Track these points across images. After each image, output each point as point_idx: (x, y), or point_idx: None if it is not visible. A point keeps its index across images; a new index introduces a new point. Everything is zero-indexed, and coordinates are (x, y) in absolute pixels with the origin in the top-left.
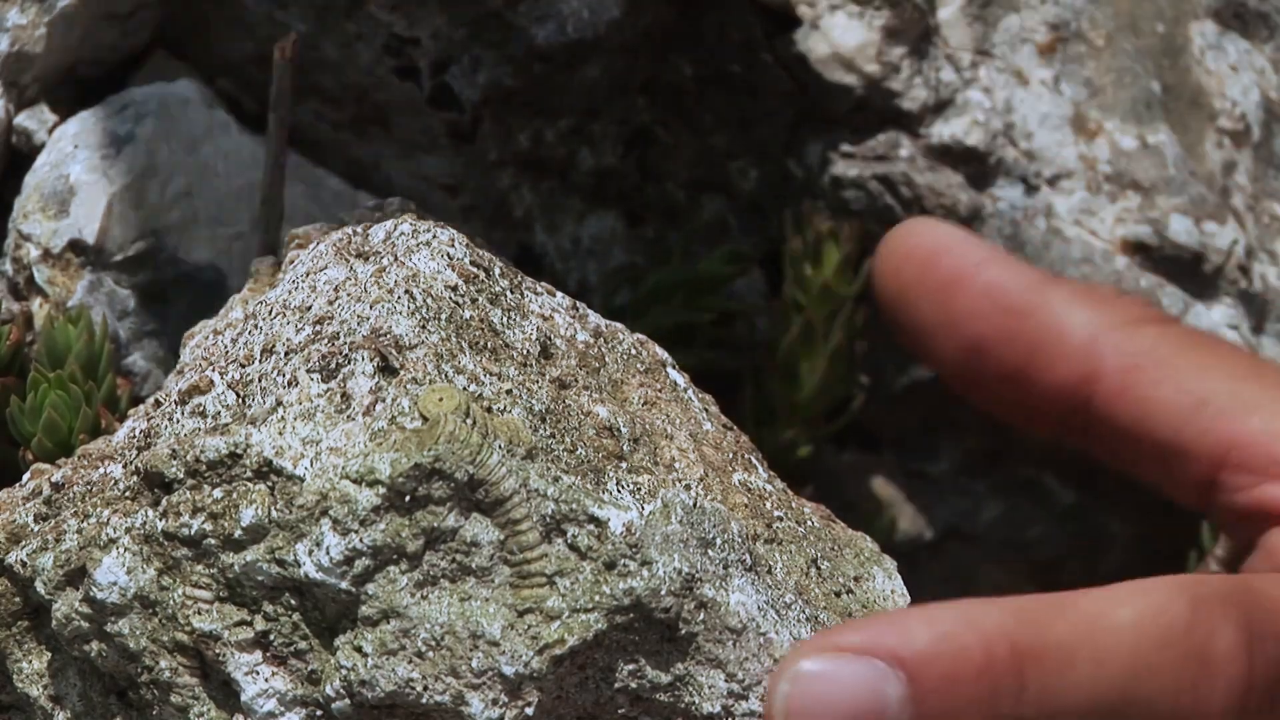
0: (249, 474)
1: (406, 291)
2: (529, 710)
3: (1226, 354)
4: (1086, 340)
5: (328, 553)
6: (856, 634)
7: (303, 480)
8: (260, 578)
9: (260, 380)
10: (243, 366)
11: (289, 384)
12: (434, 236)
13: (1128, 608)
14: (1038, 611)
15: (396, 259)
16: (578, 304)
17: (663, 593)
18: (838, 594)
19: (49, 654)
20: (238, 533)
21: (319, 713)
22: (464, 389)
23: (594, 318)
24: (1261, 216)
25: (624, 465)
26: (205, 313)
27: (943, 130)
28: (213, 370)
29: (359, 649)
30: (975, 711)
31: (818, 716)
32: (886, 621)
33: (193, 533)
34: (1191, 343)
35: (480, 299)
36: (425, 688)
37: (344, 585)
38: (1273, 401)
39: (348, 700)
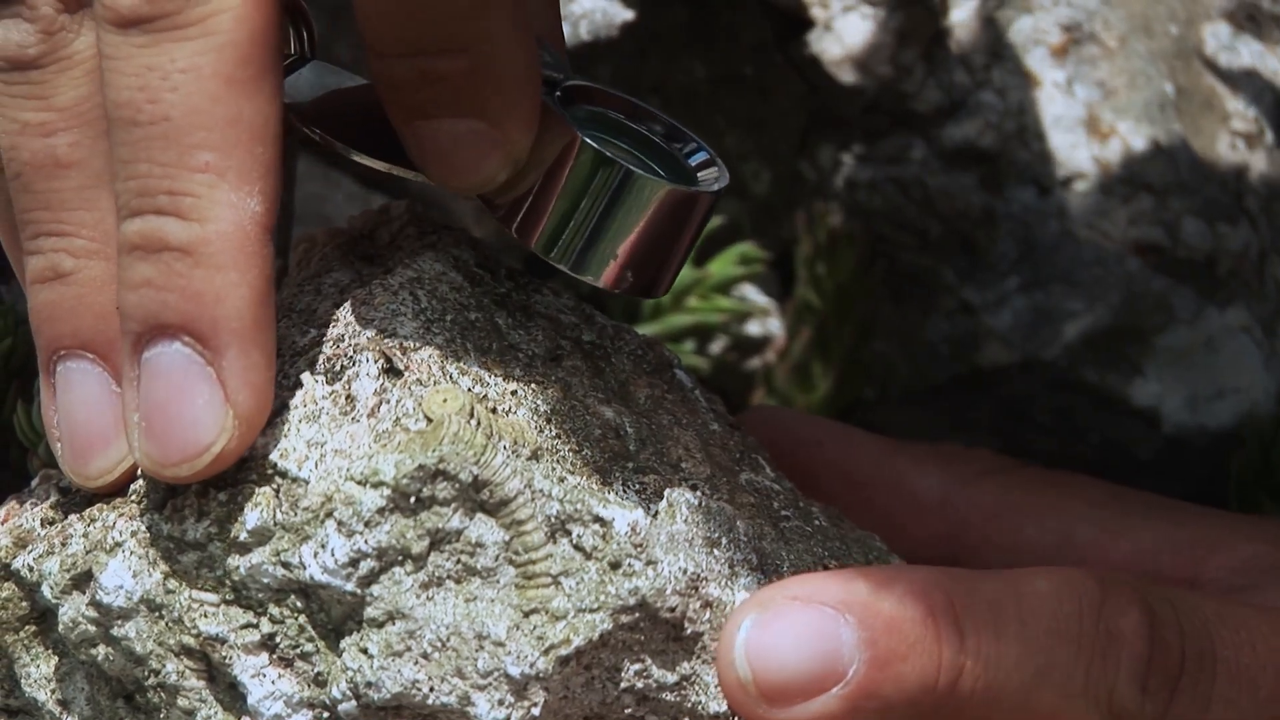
0: (254, 476)
1: (411, 294)
2: (535, 710)
3: (1081, 487)
4: (939, 500)
5: (333, 555)
6: (804, 585)
7: (307, 482)
8: (266, 580)
9: None
10: None
11: (293, 386)
12: (439, 239)
13: (1044, 579)
14: (964, 574)
15: (402, 261)
16: (584, 305)
17: (668, 592)
18: None
19: (56, 658)
20: (243, 535)
21: (325, 715)
22: (468, 390)
23: (600, 318)
24: (1275, 219)
25: (630, 465)
26: None
27: (955, 132)
28: None
29: (365, 650)
30: (923, 656)
31: (779, 658)
32: (827, 575)
33: (198, 536)
34: (1045, 483)
35: (486, 300)
36: (431, 689)
37: (349, 587)
38: (1140, 521)
39: (354, 702)
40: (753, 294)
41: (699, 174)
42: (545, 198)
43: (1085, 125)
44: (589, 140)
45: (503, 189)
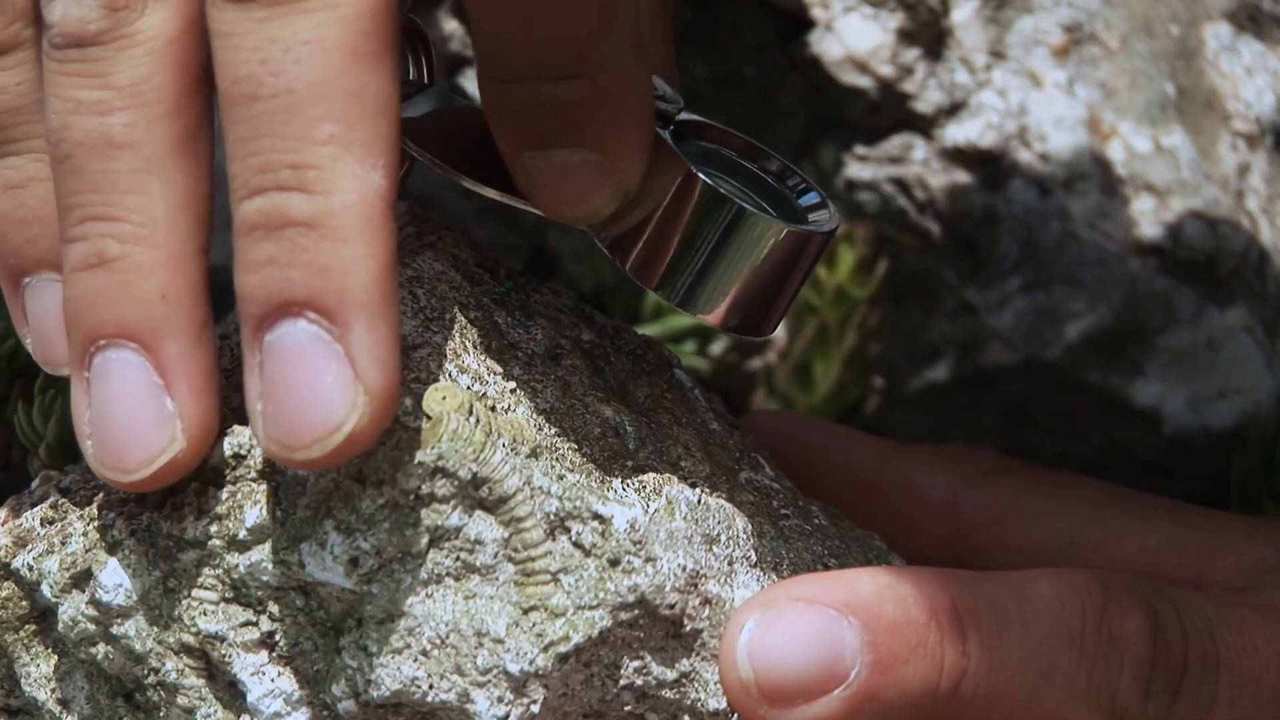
0: (252, 474)
1: (410, 292)
2: (534, 708)
3: (1086, 488)
4: (946, 502)
5: (332, 552)
6: (807, 587)
7: (306, 480)
8: (265, 578)
9: None
10: None
11: None
12: (439, 238)
13: (1047, 581)
14: (967, 576)
15: (401, 260)
16: (583, 305)
17: (667, 589)
18: None
19: (56, 657)
20: (242, 533)
21: (325, 713)
22: (467, 388)
23: (599, 318)
24: (1276, 219)
25: (629, 464)
26: (217, 316)
27: (957, 133)
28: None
29: (364, 648)
30: (925, 658)
31: (781, 659)
32: (831, 576)
33: (198, 534)
34: (1049, 484)
35: (485, 299)
36: (430, 686)
37: (348, 585)
38: (1145, 522)
39: (353, 699)
40: None
41: (810, 215)
42: (655, 232)
43: (1086, 125)
44: (702, 175)
45: (611, 221)
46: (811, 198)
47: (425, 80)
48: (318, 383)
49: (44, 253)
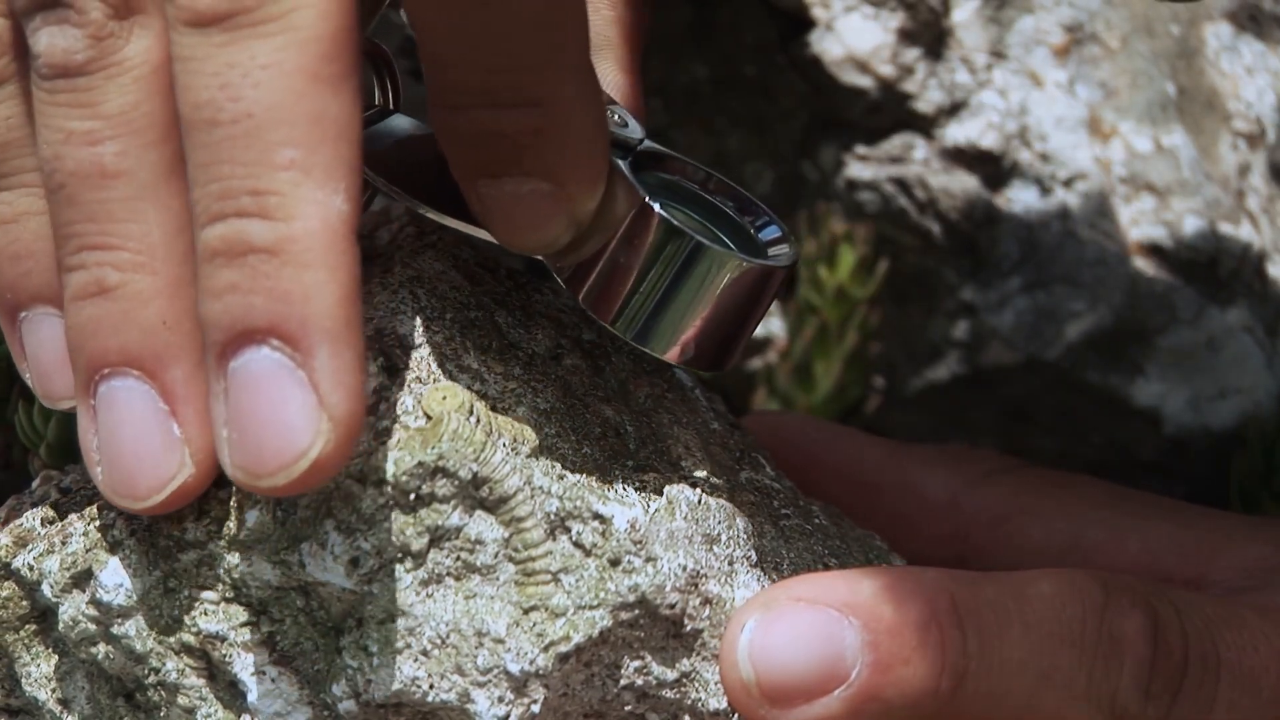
0: None
1: (411, 292)
2: (535, 708)
3: (1087, 488)
4: (947, 502)
5: (332, 552)
6: (808, 586)
7: None
8: (265, 578)
9: None
10: None
11: None
12: (439, 238)
13: (1047, 582)
14: (967, 576)
15: (401, 260)
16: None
17: (667, 589)
18: None
19: (56, 657)
20: (242, 533)
21: (325, 713)
22: (468, 388)
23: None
24: (1276, 219)
25: (629, 463)
26: None
27: (957, 132)
28: None
29: (364, 648)
30: (926, 659)
31: (782, 659)
32: (833, 576)
33: (198, 534)
34: (1051, 484)
35: (486, 299)
36: (431, 686)
37: (349, 585)
38: (1147, 522)
39: (354, 700)
40: None
41: (770, 249)
42: (609, 264)
43: (1087, 125)
44: (658, 208)
45: (566, 251)
46: (772, 231)
47: (390, 105)
48: (282, 410)
49: (40, 287)
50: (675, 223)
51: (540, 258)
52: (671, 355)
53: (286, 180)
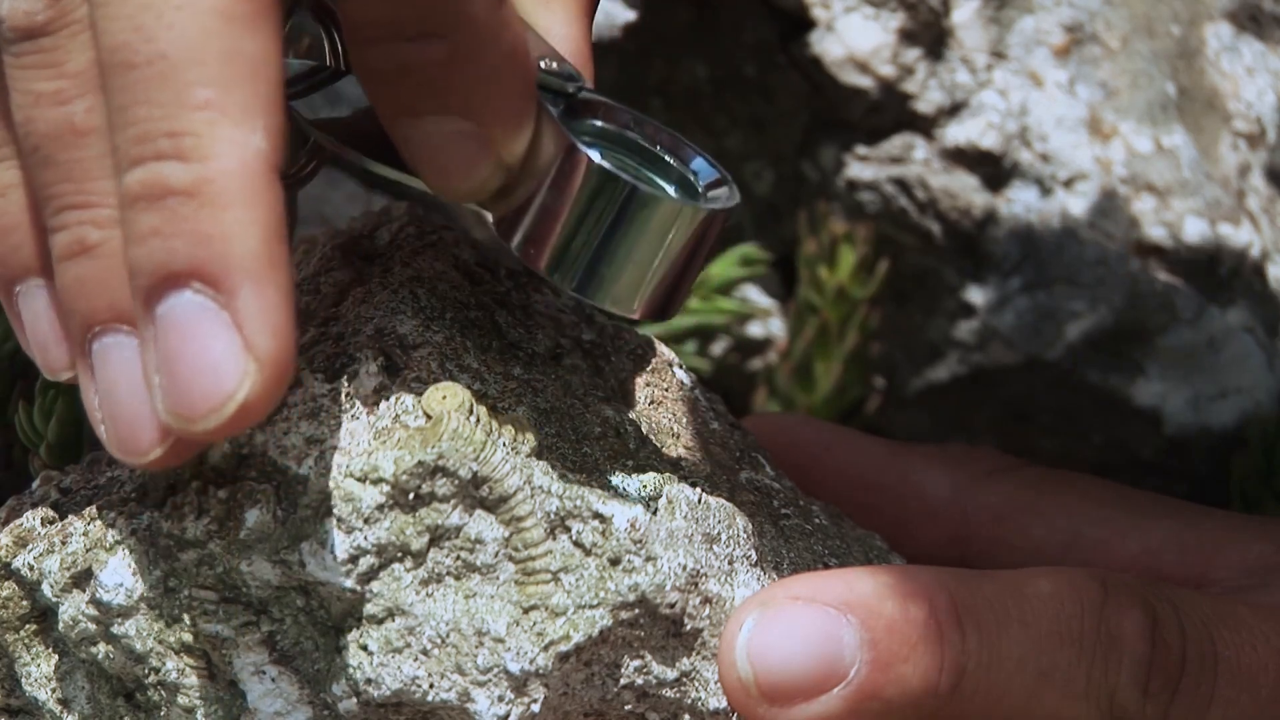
0: (253, 474)
1: (411, 292)
2: (535, 707)
3: (1088, 486)
4: (948, 501)
5: (332, 552)
6: (806, 585)
7: (307, 479)
8: (265, 578)
9: None
10: None
11: (293, 384)
12: (440, 238)
13: (1046, 580)
14: (966, 574)
15: (402, 260)
16: (584, 304)
17: (667, 588)
18: None
19: (56, 657)
20: (242, 533)
21: (325, 712)
22: (468, 387)
23: (600, 318)
24: (1276, 219)
25: (629, 463)
26: None
27: (957, 132)
28: None
29: (364, 647)
30: (925, 657)
31: (780, 658)
32: (830, 574)
33: (198, 533)
34: (1052, 482)
35: (486, 299)
36: (431, 685)
37: (349, 584)
38: (1148, 521)
39: (354, 699)
40: (755, 295)
41: (709, 192)
42: (546, 213)
43: (1087, 125)
44: (591, 153)
45: (498, 198)
46: (711, 175)
47: (343, 67)
48: (207, 353)
49: (30, 258)
50: (609, 167)
51: (476, 207)
52: (611, 303)
53: (202, 120)
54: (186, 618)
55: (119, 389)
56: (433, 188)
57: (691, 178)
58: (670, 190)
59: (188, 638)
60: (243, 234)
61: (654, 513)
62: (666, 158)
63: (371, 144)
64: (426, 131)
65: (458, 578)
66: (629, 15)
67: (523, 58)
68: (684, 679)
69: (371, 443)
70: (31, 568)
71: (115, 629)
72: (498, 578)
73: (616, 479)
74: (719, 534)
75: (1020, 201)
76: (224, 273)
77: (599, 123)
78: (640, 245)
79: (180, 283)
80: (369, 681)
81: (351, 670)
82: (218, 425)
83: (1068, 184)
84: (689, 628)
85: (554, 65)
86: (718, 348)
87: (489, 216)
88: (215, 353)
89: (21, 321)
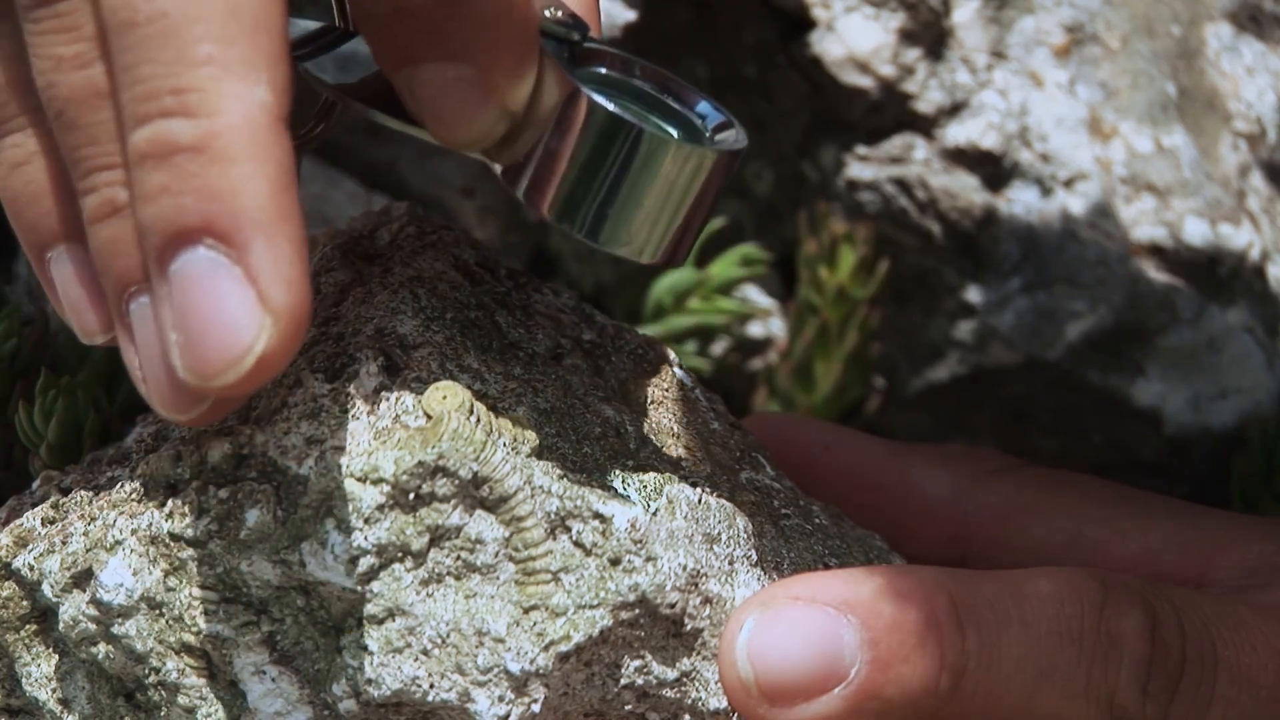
0: (253, 474)
1: (411, 292)
2: (535, 707)
3: (1088, 487)
4: (949, 500)
5: (332, 551)
6: (806, 585)
7: (307, 480)
8: (266, 578)
9: None
10: None
11: (293, 385)
12: (440, 238)
13: (1046, 580)
14: (966, 574)
15: (402, 260)
16: (584, 304)
17: (668, 588)
18: None
19: (57, 657)
20: (243, 533)
21: (325, 712)
22: (468, 387)
23: (600, 318)
24: (1277, 219)
25: (630, 463)
26: None
27: (958, 133)
28: None
29: (365, 647)
30: (925, 657)
31: (781, 658)
32: (831, 574)
33: (198, 533)
34: (1052, 482)
35: (486, 299)
36: (431, 685)
37: (349, 584)
38: (1148, 521)
39: (354, 699)
40: (755, 295)
41: (716, 135)
42: (553, 160)
43: (1088, 126)
44: (597, 98)
45: (502, 146)
46: (718, 118)
47: (351, 28)
48: (222, 308)
49: (60, 224)
50: (616, 110)
51: (480, 156)
52: (623, 247)
53: (206, 76)
54: (187, 618)
55: (156, 351)
56: (436, 136)
57: (699, 122)
58: (676, 134)
59: (188, 638)
60: (251, 188)
61: (654, 513)
62: (672, 102)
63: (381, 101)
64: (427, 78)
65: (458, 578)
66: (629, 15)
67: (523, 3)
68: (684, 679)
69: (372, 443)
70: (32, 568)
71: (115, 629)
72: (498, 578)
73: (617, 479)
74: (719, 534)
75: (1020, 201)
76: (235, 227)
77: (604, 70)
78: (649, 189)
79: (192, 239)
80: (369, 681)
81: (352, 670)
82: (237, 379)
83: (1068, 184)
84: (689, 628)
85: (558, 14)
86: (718, 348)
87: (496, 168)
88: (230, 308)
89: (55, 288)
